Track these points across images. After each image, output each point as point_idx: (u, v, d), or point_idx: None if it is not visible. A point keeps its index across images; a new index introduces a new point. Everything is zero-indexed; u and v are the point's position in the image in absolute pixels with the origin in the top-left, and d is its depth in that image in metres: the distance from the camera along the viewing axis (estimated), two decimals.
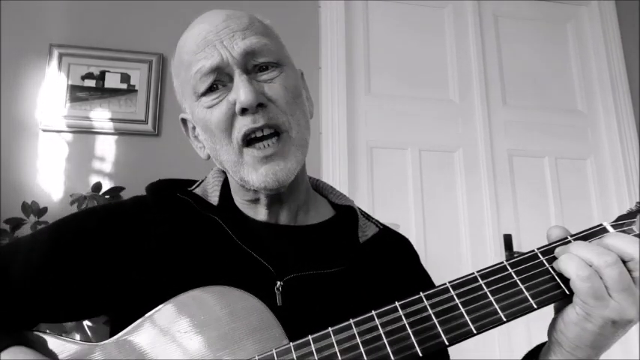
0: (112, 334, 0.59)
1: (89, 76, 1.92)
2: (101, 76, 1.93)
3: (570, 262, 0.49)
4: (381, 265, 0.72)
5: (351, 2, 2.24)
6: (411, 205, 2.08)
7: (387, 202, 2.04)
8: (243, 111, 0.62)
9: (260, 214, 0.71)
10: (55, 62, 1.89)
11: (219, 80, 0.64)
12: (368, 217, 0.79)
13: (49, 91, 1.87)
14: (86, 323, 1.55)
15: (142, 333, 0.57)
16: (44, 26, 1.93)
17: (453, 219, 2.12)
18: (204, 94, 0.64)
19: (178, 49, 0.71)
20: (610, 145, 2.35)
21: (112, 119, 1.90)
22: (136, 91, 1.94)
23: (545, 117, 2.32)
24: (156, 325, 0.57)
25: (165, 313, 0.57)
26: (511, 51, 2.38)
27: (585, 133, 2.37)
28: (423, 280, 0.78)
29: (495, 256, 2.08)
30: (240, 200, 0.73)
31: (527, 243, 2.13)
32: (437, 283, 0.53)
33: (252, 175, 0.64)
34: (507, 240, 2.10)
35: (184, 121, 0.74)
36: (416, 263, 0.81)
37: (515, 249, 2.10)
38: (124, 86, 1.94)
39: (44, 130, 1.85)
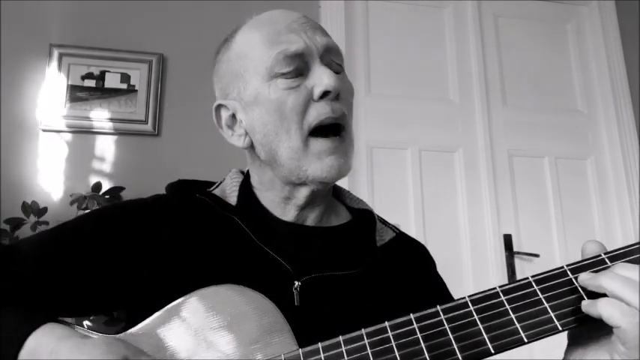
0: (125, 329, 0.59)
1: (89, 76, 1.92)
2: (101, 76, 1.93)
3: (613, 310, 0.45)
4: (397, 269, 0.72)
5: (351, 2, 2.24)
6: (411, 205, 2.08)
7: (387, 202, 2.04)
8: (324, 95, 0.64)
9: (288, 214, 0.71)
10: (55, 62, 1.89)
11: (299, 66, 0.66)
12: (384, 222, 0.79)
13: (49, 91, 1.87)
14: (86, 323, 1.55)
15: (151, 329, 0.57)
16: (44, 26, 1.93)
17: (453, 219, 2.12)
18: (284, 75, 0.65)
19: (250, 28, 0.70)
20: (610, 146, 2.35)
21: (111, 119, 1.90)
22: (136, 91, 1.94)
23: (545, 117, 2.32)
24: (164, 323, 0.56)
25: (175, 311, 0.57)
26: (511, 51, 2.38)
27: (585, 133, 2.37)
28: (438, 287, 0.78)
29: (495, 256, 2.08)
30: (270, 197, 0.72)
31: (527, 243, 2.13)
32: None
33: (316, 164, 0.65)
34: (507, 240, 2.10)
35: (218, 109, 0.73)
36: (432, 270, 0.81)
37: (515, 249, 2.10)
38: (124, 86, 1.94)
39: (44, 130, 1.85)
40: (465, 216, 2.12)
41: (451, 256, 2.06)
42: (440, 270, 0.83)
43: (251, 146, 0.71)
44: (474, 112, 2.25)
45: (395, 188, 2.09)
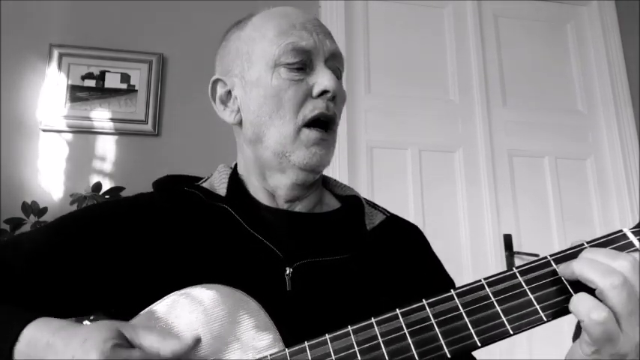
0: None
1: (89, 76, 1.92)
2: (101, 76, 1.93)
3: (581, 304, 0.45)
4: (390, 251, 0.74)
5: (351, 2, 2.24)
6: (411, 205, 2.08)
7: (387, 202, 2.04)
8: (322, 94, 0.68)
9: (278, 205, 0.73)
10: (55, 62, 1.89)
11: (304, 62, 0.69)
12: (374, 205, 0.81)
13: (49, 91, 1.87)
14: (86, 322, 1.55)
15: None
16: (44, 26, 1.93)
17: (453, 219, 2.12)
18: (288, 65, 0.68)
19: (266, 15, 0.73)
20: (610, 146, 2.35)
21: (112, 119, 1.90)
22: (136, 91, 1.94)
23: (545, 117, 2.32)
24: (151, 323, 0.56)
25: (161, 310, 0.56)
26: (511, 51, 2.38)
27: (585, 133, 2.37)
28: (433, 267, 0.79)
29: (495, 256, 2.08)
30: (255, 184, 0.74)
31: (527, 243, 2.13)
32: None
33: (301, 151, 0.68)
34: (507, 240, 2.10)
35: (216, 83, 0.76)
36: (426, 250, 0.82)
37: (515, 249, 2.10)
38: (124, 86, 1.94)
39: (44, 130, 1.85)
40: (465, 216, 2.12)
41: (451, 256, 2.06)
42: None
43: (240, 123, 0.73)
44: (474, 112, 2.25)
45: (395, 188, 2.09)
